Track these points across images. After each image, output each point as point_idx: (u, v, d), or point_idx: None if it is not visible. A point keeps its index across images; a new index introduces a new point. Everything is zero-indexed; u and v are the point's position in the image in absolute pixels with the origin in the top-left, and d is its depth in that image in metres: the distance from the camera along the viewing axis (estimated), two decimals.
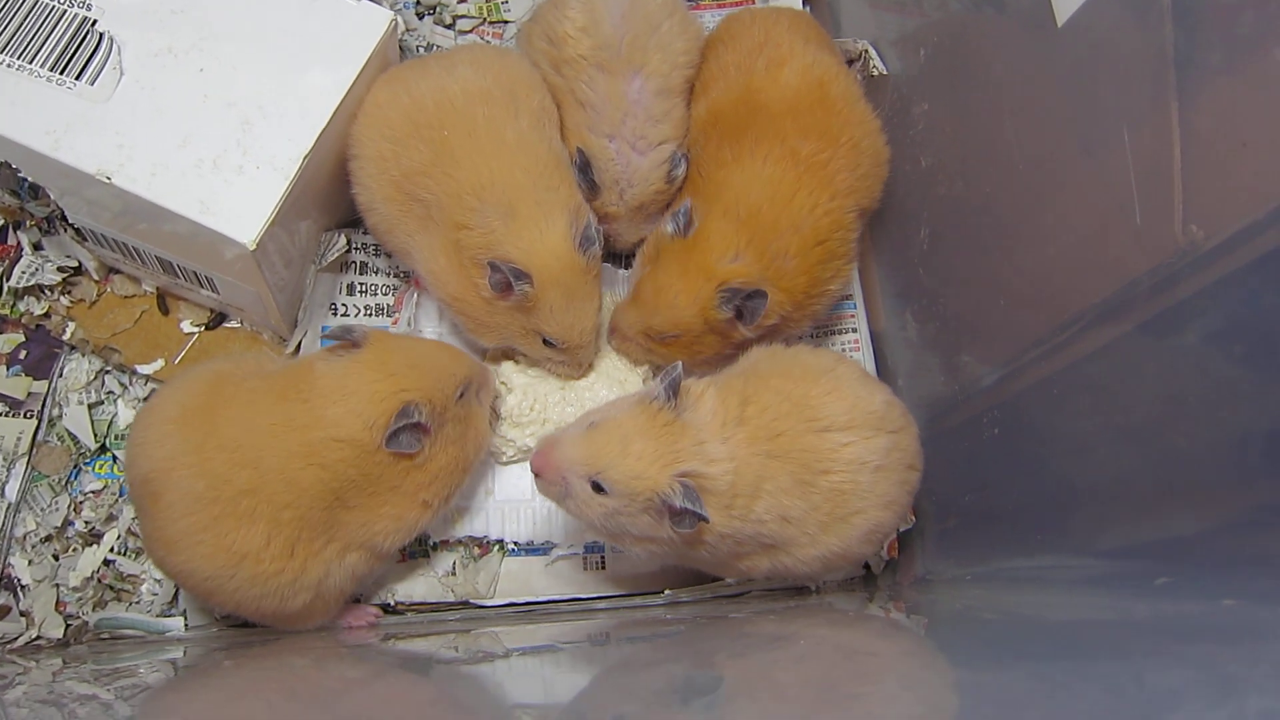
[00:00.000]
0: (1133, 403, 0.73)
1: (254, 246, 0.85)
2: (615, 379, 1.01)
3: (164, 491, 0.81)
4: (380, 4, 1.14)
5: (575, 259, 0.89)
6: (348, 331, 0.85)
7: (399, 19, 1.12)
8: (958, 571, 0.89)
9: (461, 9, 1.23)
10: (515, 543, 1.00)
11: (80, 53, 0.86)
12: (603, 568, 1.01)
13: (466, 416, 0.89)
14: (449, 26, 1.22)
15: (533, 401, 0.99)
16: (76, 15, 0.87)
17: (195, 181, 0.85)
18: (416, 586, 0.98)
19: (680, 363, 0.82)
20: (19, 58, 0.86)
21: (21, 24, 0.86)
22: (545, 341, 0.94)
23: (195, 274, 0.96)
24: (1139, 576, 0.67)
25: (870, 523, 0.82)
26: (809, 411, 0.82)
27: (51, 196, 0.91)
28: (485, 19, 1.23)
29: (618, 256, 1.11)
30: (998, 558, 0.84)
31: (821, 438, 0.81)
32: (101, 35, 0.87)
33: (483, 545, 1.00)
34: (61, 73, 0.86)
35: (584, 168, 0.97)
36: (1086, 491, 0.76)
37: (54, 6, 0.87)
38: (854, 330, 1.11)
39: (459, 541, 1.00)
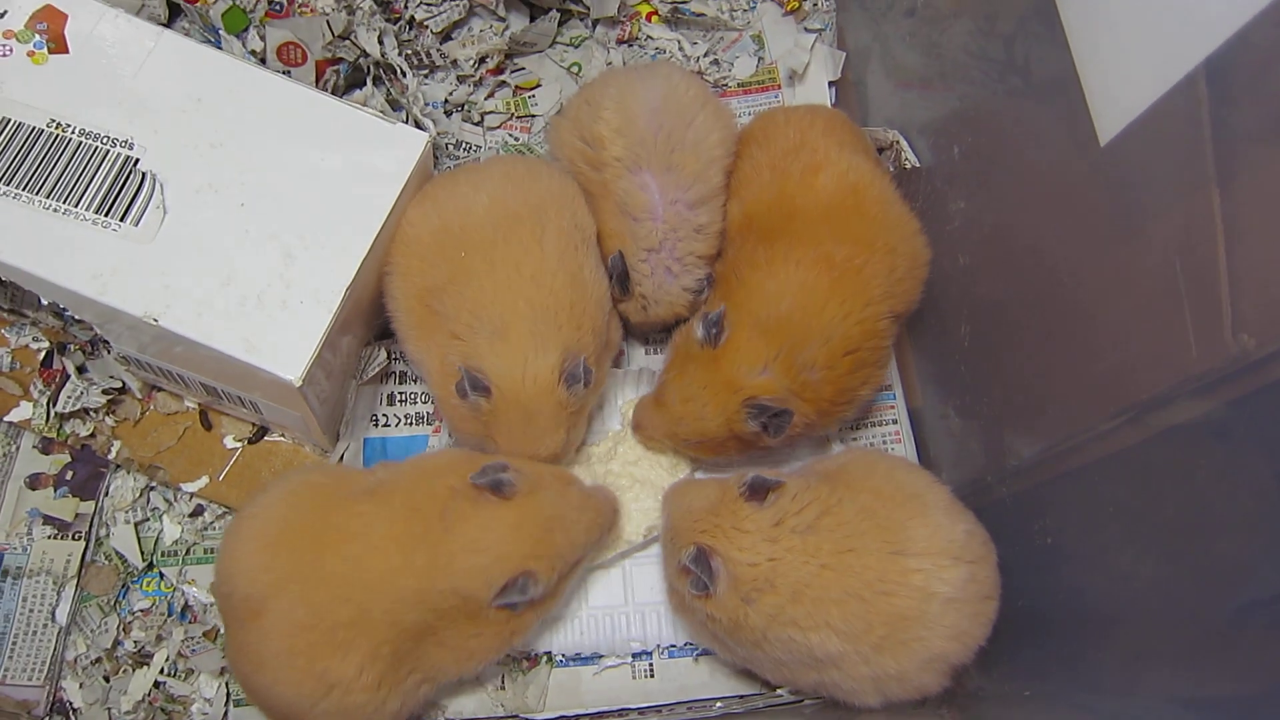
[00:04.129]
0: (1186, 517, 0.72)
1: (300, 383, 0.85)
2: (659, 487, 1.01)
3: (263, 611, 0.81)
4: (411, 107, 1.16)
5: (553, 388, 0.89)
6: (498, 485, 0.83)
7: (430, 125, 1.14)
8: (1011, 687, 0.88)
9: (489, 105, 1.24)
10: (563, 654, 1.00)
11: (124, 194, 0.87)
12: (651, 676, 1.00)
13: (575, 567, 0.90)
14: (477, 124, 1.23)
15: None
16: (120, 155, 0.88)
17: (240, 320, 0.85)
18: (466, 702, 0.98)
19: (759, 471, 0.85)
20: (64, 201, 0.87)
21: (66, 168, 0.87)
22: None
23: (239, 398, 0.97)
24: None
25: (932, 651, 0.81)
26: (890, 534, 0.83)
27: (95, 330, 0.92)
28: (513, 114, 1.24)
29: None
30: (1057, 678, 0.83)
31: (893, 560, 0.81)
32: (144, 175, 0.88)
33: (531, 658, 1.00)
34: (106, 215, 0.87)
35: (622, 277, 0.98)
36: (1151, 619, 0.75)
37: (97, 148, 0.88)
38: (894, 422, 1.11)
39: (508, 654, 0.99)
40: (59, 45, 0.91)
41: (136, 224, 0.87)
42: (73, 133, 0.88)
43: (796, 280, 0.92)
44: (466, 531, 0.81)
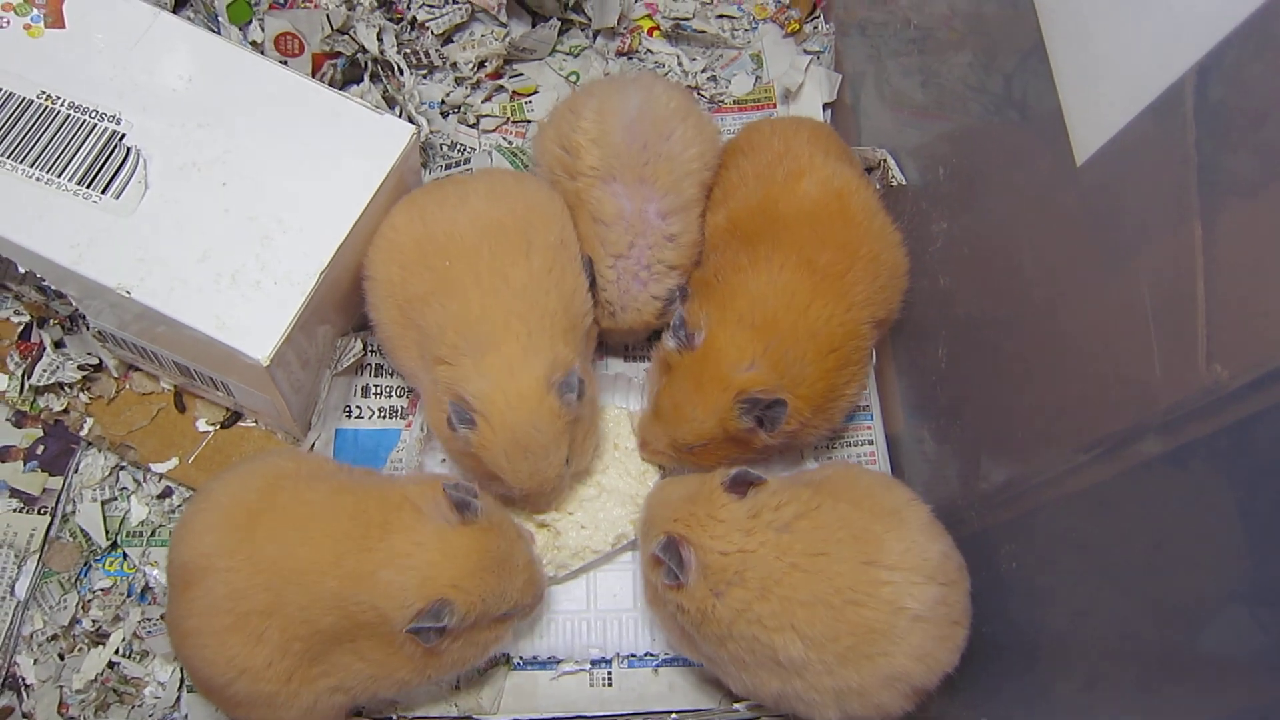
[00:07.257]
0: (1156, 545, 0.71)
1: (268, 362, 0.85)
2: (627, 495, 1.00)
3: (194, 583, 0.80)
4: (406, 105, 1.17)
5: (545, 400, 0.85)
6: (465, 505, 0.80)
7: (424, 123, 1.15)
8: (969, 714, 0.86)
9: (485, 108, 1.24)
10: (521, 656, 0.99)
11: (107, 167, 0.88)
12: (609, 685, 0.99)
13: (497, 626, 0.86)
14: (473, 126, 1.24)
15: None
16: (106, 129, 0.89)
17: (213, 296, 0.86)
18: (419, 700, 0.96)
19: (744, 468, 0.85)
20: (48, 171, 0.87)
21: (52, 139, 0.88)
22: None
23: (211, 379, 0.96)
24: None
25: (895, 669, 0.80)
26: (865, 545, 0.82)
27: (73, 302, 0.92)
28: (509, 118, 1.25)
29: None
30: (1014, 705, 0.81)
31: (865, 570, 0.80)
32: (129, 150, 0.89)
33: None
34: (88, 187, 0.87)
35: (590, 281, 0.98)
36: (1109, 649, 0.74)
37: (84, 121, 0.89)
38: (870, 443, 1.10)
39: None
40: (56, 20, 0.92)
41: (117, 197, 0.87)
42: (62, 105, 0.89)
43: (779, 282, 0.92)
44: (401, 543, 0.78)
